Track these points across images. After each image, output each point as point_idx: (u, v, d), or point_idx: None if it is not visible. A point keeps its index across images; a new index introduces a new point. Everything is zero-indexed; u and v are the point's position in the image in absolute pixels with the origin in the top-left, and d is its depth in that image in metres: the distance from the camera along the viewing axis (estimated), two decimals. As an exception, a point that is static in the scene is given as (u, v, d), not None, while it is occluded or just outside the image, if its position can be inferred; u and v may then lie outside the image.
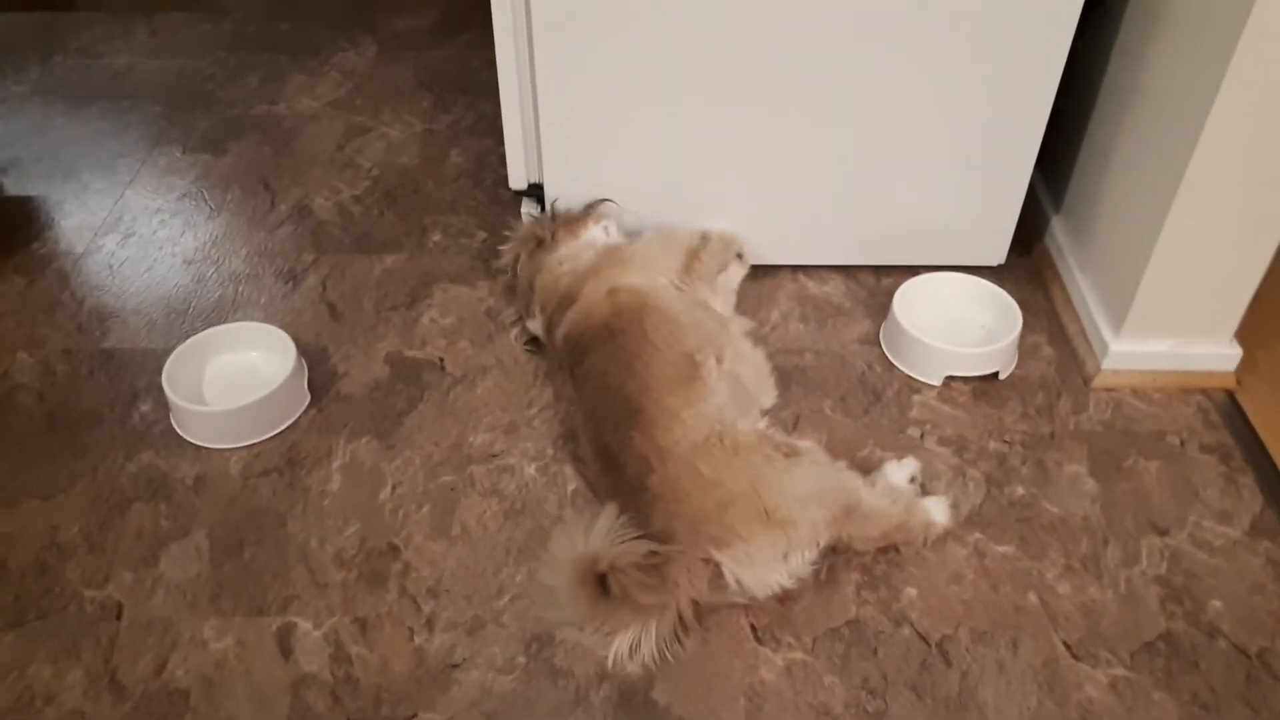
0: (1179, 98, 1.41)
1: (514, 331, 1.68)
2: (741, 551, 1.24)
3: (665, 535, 1.24)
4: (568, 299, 1.52)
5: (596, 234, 1.63)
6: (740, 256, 1.74)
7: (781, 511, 1.25)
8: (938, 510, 1.38)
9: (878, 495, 1.34)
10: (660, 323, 1.42)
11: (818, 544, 1.28)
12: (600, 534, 1.20)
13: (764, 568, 1.25)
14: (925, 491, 1.44)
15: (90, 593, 1.33)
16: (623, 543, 1.20)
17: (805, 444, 1.34)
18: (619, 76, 1.57)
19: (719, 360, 1.41)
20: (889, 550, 1.37)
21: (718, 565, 1.24)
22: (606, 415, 1.36)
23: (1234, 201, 1.41)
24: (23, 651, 1.27)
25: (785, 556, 1.26)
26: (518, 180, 1.74)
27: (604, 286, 1.49)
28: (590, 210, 1.67)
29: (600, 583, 1.18)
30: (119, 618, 1.30)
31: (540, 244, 1.62)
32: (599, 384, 1.40)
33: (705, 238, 1.65)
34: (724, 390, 1.36)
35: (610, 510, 1.23)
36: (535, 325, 1.62)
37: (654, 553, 1.21)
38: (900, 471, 1.43)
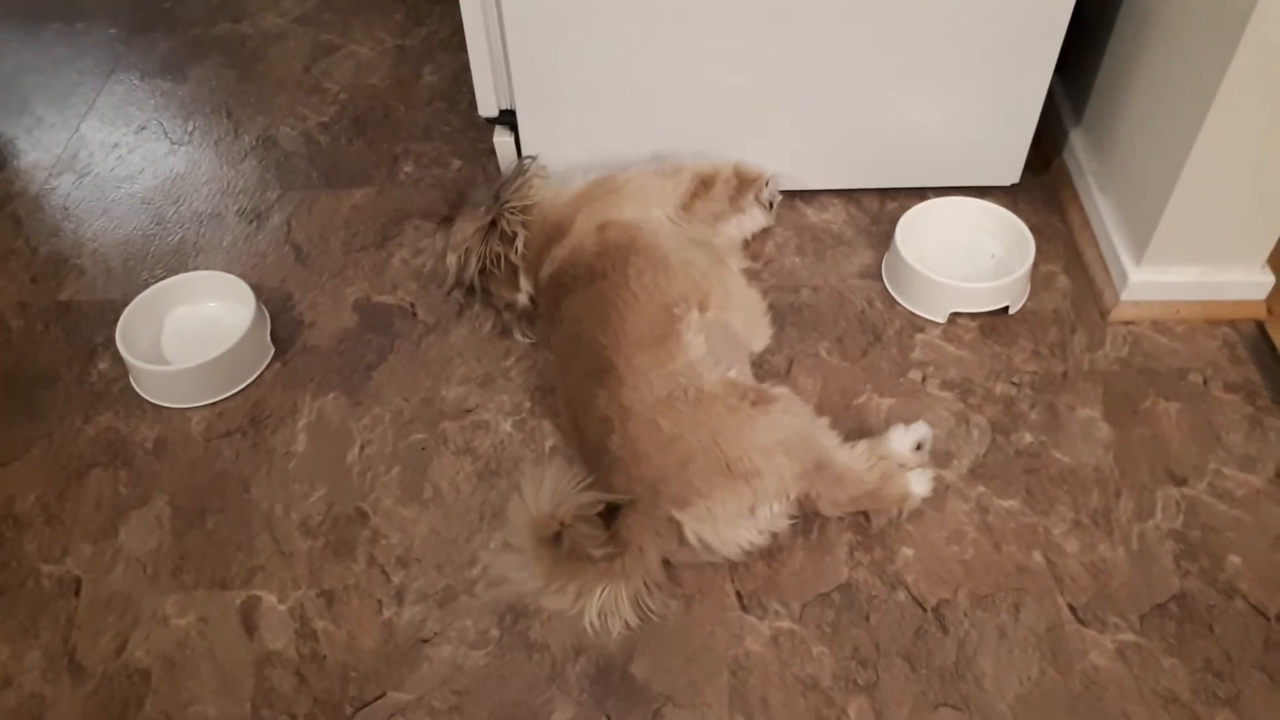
0: (1216, -1, 1.25)
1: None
2: (703, 508, 1.16)
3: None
4: (558, 232, 1.40)
5: (545, 191, 1.47)
6: (764, 203, 1.58)
7: (744, 463, 1.16)
8: (918, 482, 1.27)
9: (854, 457, 1.24)
10: (645, 266, 1.32)
11: (787, 496, 1.19)
12: (550, 490, 1.13)
13: (729, 524, 1.18)
14: (933, 458, 1.33)
15: (48, 568, 1.28)
16: (574, 495, 1.14)
17: (779, 390, 1.25)
18: (591, -11, 1.42)
19: (702, 309, 1.30)
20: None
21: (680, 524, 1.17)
22: (575, 368, 1.28)
23: (1274, 115, 1.26)
24: (-20, 632, 1.23)
25: (752, 510, 1.18)
26: (487, 107, 1.60)
27: (595, 220, 1.38)
28: (524, 173, 1.46)
29: (557, 541, 1.12)
30: (78, 594, 1.25)
31: (495, 226, 1.44)
32: (573, 331, 1.31)
33: (718, 167, 1.51)
34: (701, 344, 1.26)
35: (559, 465, 1.16)
36: (527, 284, 1.45)
37: (602, 502, 1.16)
38: (905, 438, 1.30)
